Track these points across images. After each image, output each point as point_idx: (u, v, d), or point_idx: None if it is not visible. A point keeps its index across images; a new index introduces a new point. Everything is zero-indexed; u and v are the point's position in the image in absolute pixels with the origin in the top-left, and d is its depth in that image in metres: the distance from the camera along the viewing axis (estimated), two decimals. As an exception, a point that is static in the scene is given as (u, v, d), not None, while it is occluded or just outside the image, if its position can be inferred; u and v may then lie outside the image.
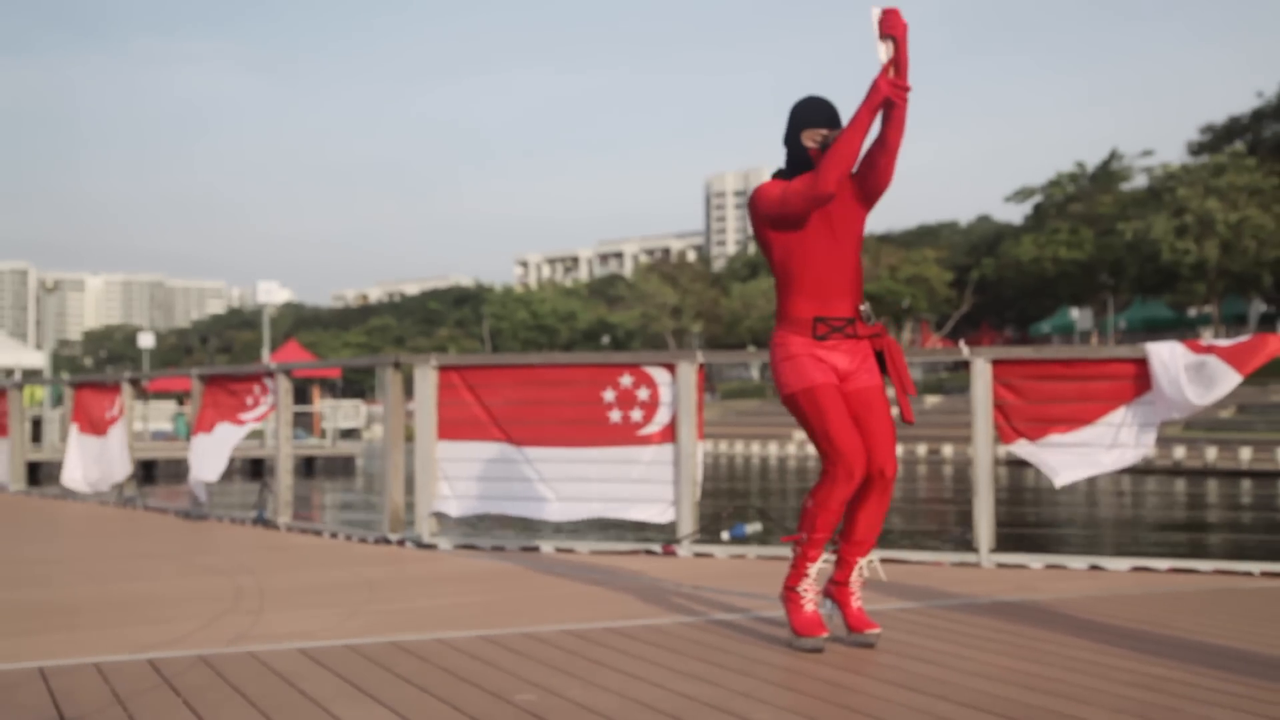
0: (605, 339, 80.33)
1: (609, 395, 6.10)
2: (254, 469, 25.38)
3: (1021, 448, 5.43)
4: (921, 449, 32.01)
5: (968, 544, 5.61)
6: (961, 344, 48.32)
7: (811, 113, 3.40)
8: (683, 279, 75.18)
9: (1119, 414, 5.24)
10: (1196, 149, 53.31)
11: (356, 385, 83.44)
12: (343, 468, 28.46)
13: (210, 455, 8.19)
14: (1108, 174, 59.06)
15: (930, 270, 61.93)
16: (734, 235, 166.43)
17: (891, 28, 3.28)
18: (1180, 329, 50.74)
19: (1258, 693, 2.89)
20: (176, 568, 5.62)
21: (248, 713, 2.74)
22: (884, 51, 3.27)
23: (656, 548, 5.99)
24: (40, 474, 18.78)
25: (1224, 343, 5.03)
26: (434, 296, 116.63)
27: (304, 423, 37.01)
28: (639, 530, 7.89)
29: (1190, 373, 5.03)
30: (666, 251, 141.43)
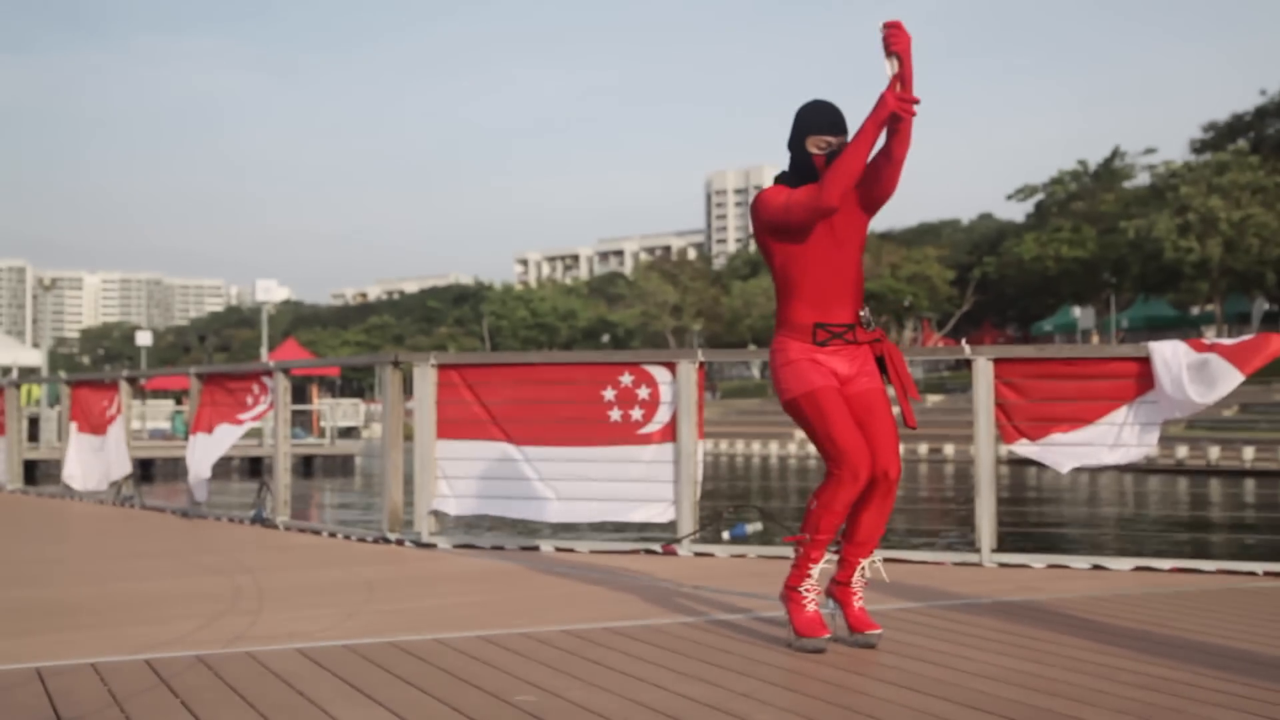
0: (605, 337, 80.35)
1: (609, 394, 6.08)
2: (252, 468, 25.38)
3: (1023, 447, 5.41)
4: (923, 448, 32.00)
5: (969, 544, 5.60)
6: (963, 343, 48.26)
7: (817, 118, 3.38)
8: (683, 277, 75.19)
9: (1121, 413, 5.22)
10: (1199, 147, 53.26)
11: (355, 384, 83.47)
12: (341, 467, 28.48)
13: (209, 455, 8.18)
14: (1110, 172, 59.02)
15: (932, 268, 61.91)
16: (735, 233, 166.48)
17: (895, 43, 3.27)
18: (1183, 328, 50.71)
19: (1261, 693, 2.87)
20: (174, 567, 5.61)
21: (246, 713, 2.72)
22: (890, 67, 3.28)
23: (657, 547, 5.97)
24: (37, 473, 18.77)
25: (1226, 342, 5.01)
26: (433, 295, 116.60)
27: (303, 421, 37.02)
28: (639, 530, 7.87)
29: (1192, 372, 5.01)
30: (667, 249, 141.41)
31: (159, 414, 41.19)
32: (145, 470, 23.05)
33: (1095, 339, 50.32)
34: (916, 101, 3.26)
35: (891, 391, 3.53)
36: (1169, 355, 5.08)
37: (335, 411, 43.15)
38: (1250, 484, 22.37)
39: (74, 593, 4.74)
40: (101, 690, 2.95)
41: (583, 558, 5.82)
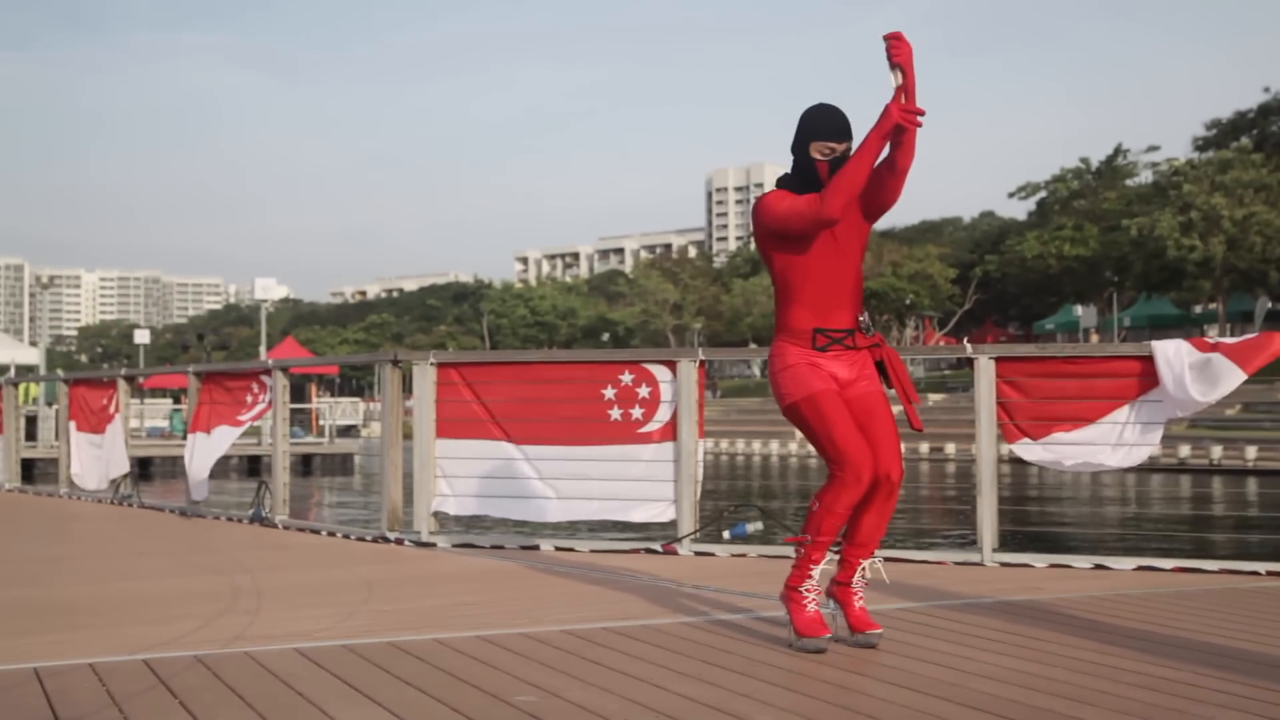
0: (605, 336, 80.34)
1: (609, 393, 6.07)
2: (251, 467, 25.38)
3: (1024, 447, 5.39)
4: (924, 447, 31.99)
5: (971, 543, 5.58)
6: (965, 341, 48.26)
7: (821, 123, 3.36)
8: (684, 275, 75.24)
9: (1124, 412, 5.20)
10: (1202, 145, 53.19)
11: (354, 382, 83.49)
12: (341, 466, 28.48)
13: (208, 457, 8.17)
14: (1113, 170, 58.92)
15: (933, 267, 61.92)
16: (735, 231, 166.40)
17: (898, 55, 3.26)
18: (1185, 326, 50.70)
19: (1263, 694, 2.86)
20: (173, 567, 5.60)
21: (244, 714, 2.71)
22: (894, 78, 3.27)
23: (657, 547, 5.96)
24: (35, 471, 18.77)
25: (1229, 340, 5.00)
26: (433, 293, 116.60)
27: (302, 420, 37.03)
28: (639, 529, 7.86)
29: (1195, 371, 5.00)
30: (668, 247, 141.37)
31: (157, 413, 41.22)
32: (143, 469, 23.05)
33: (1095, 338, 50.31)
34: (921, 113, 3.26)
35: (893, 395, 3.52)
36: (1171, 354, 5.07)
37: (334, 410, 43.19)
38: (1253, 483, 22.36)
39: (72, 592, 4.73)
40: (100, 690, 2.94)
41: (583, 557, 5.81)
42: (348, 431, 46.65)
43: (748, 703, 2.79)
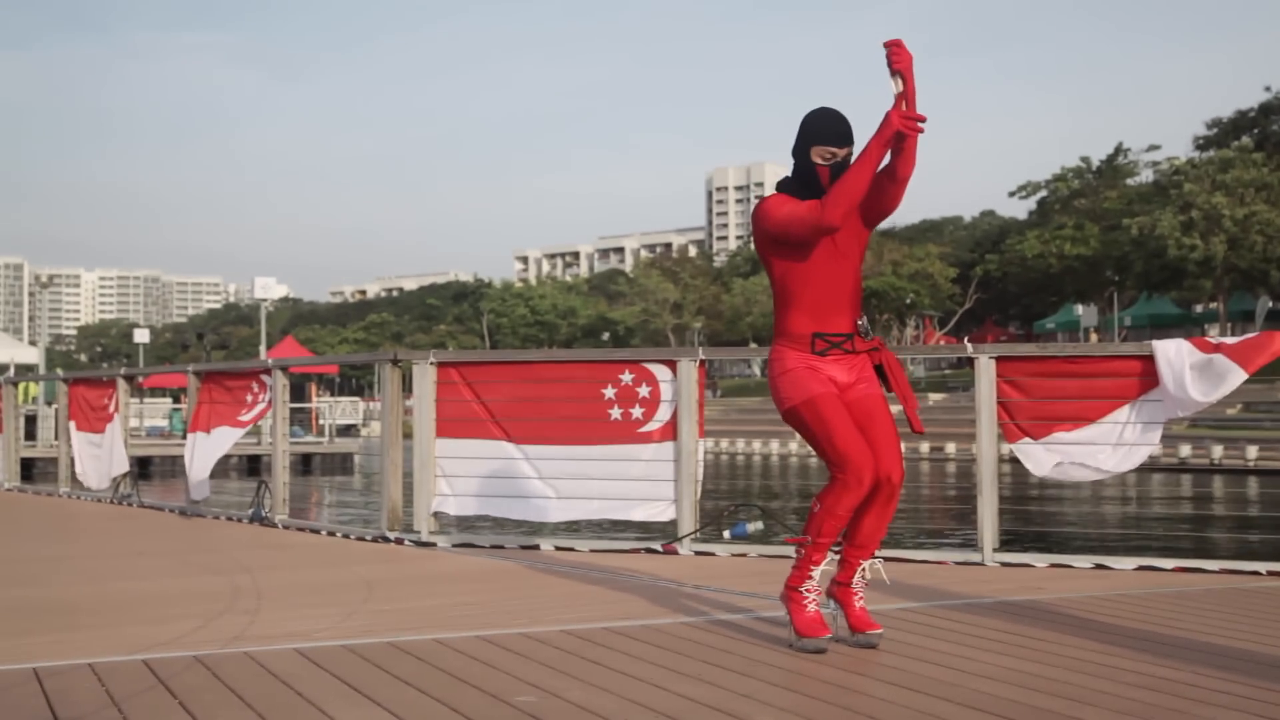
0: (605, 335, 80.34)
1: (609, 392, 6.06)
2: (251, 466, 25.38)
3: (1029, 459, 5.37)
4: (925, 447, 31.97)
5: (971, 543, 5.58)
6: (965, 341, 48.22)
7: (823, 128, 3.35)
8: (684, 274, 75.25)
9: (1124, 412, 5.20)
10: (1203, 144, 53.14)
11: (354, 382, 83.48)
12: (340, 465, 28.47)
13: (208, 458, 8.17)
14: (1113, 169, 58.89)
15: (934, 266, 61.90)
16: (736, 230, 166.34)
17: (897, 61, 3.26)
18: (1186, 326, 50.67)
19: (1264, 694, 2.85)
20: (172, 566, 5.60)
21: (244, 714, 2.71)
22: (894, 85, 3.26)
23: (657, 546, 5.95)
24: (34, 471, 18.75)
25: (1230, 340, 4.99)
26: (432, 292, 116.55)
27: (301, 420, 37.04)
28: (639, 528, 7.86)
29: (1196, 370, 4.99)
30: (668, 247, 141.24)
31: (157, 412, 41.22)
32: (143, 468, 23.05)
33: (1094, 337, 50.29)
34: (922, 119, 3.25)
35: (893, 398, 3.52)
36: (1172, 354, 5.06)
37: (334, 410, 43.19)
38: (1254, 482, 22.35)
39: (71, 592, 4.72)
40: (99, 691, 2.94)
41: (583, 557, 5.80)
42: (347, 431, 46.67)
43: (748, 703, 2.79)
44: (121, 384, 9.39)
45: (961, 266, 63.50)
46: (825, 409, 3.33)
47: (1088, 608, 4.16)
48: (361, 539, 6.66)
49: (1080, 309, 52.34)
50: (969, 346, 5.60)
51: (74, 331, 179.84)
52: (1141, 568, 5.25)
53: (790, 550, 5.19)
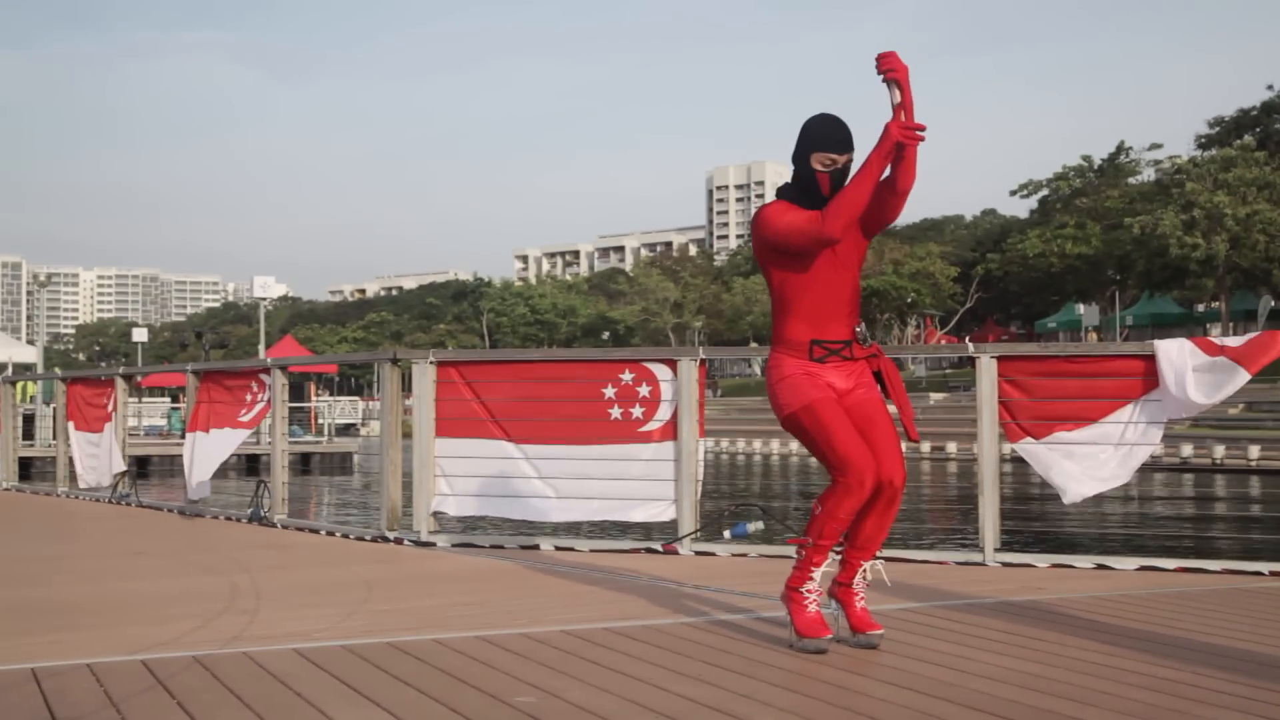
0: (605, 335, 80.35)
1: (609, 392, 6.05)
2: (250, 466, 25.38)
3: (1026, 450, 5.37)
4: (925, 447, 31.96)
5: (972, 543, 5.57)
6: (967, 340, 48.20)
7: (824, 134, 3.34)
8: (684, 274, 75.28)
9: (1126, 411, 5.19)
10: (1205, 143, 53.09)
11: (354, 381, 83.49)
12: (340, 464, 28.46)
13: (208, 460, 8.15)
14: (1115, 168, 58.81)
15: (935, 265, 61.91)
16: (736, 230, 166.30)
17: (893, 72, 3.25)
18: (1188, 325, 50.63)
19: (1265, 695, 2.84)
20: (171, 566, 5.59)
21: (243, 714, 2.70)
22: (892, 96, 3.26)
23: (657, 546, 5.94)
24: (32, 470, 18.75)
25: (1233, 341, 4.98)
26: (432, 291, 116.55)
27: (300, 419, 37.03)
28: (640, 529, 7.85)
29: (1198, 370, 4.98)
30: (668, 246, 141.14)
31: (155, 412, 41.22)
32: (141, 467, 23.04)
33: (1094, 337, 50.26)
34: (921, 128, 3.25)
35: (892, 407, 3.51)
36: (1174, 354, 5.05)
37: (333, 409, 43.19)
38: (1256, 482, 22.34)
39: (70, 592, 4.71)
40: (97, 691, 2.93)
41: (583, 557, 5.79)
42: (347, 430, 46.68)
43: (748, 703, 2.78)
44: (120, 383, 9.38)
45: (963, 266, 63.49)
46: (824, 413, 3.32)
47: (1089, 608, 4.15)
48: (361, 539, 6.65)
49: (1082, 308, 52.30)
50: (970, 346, 5.59)
51: (72, 330, 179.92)
52: (1143, 568, 5.24)
53: (790, 551, 5.19)
